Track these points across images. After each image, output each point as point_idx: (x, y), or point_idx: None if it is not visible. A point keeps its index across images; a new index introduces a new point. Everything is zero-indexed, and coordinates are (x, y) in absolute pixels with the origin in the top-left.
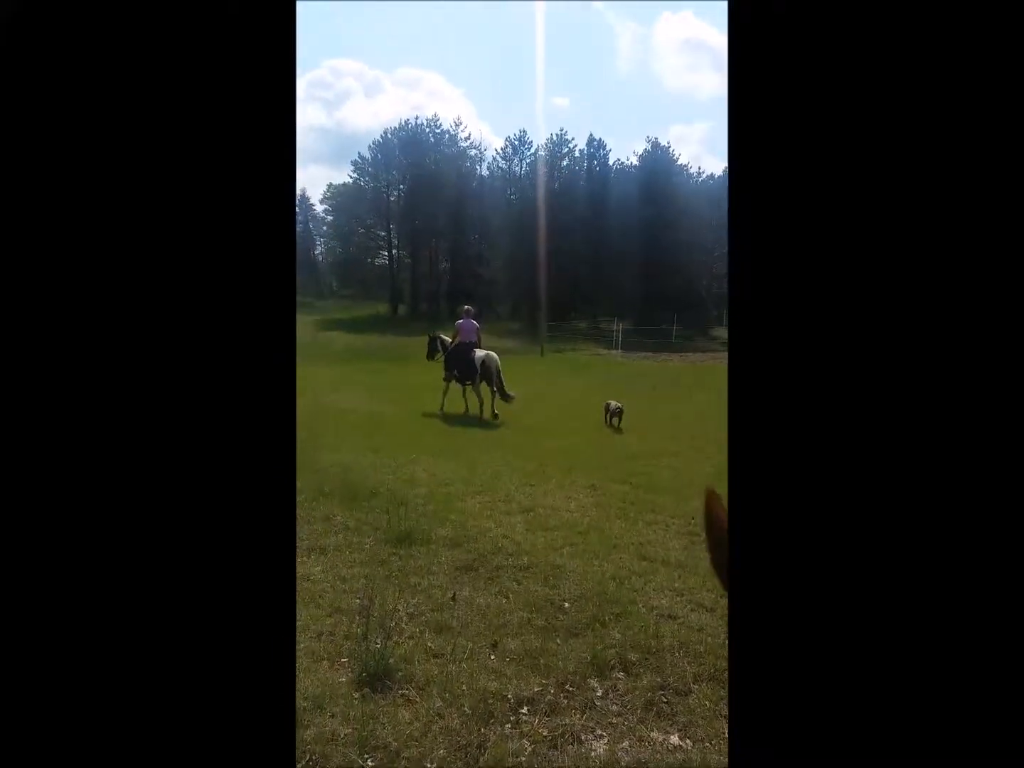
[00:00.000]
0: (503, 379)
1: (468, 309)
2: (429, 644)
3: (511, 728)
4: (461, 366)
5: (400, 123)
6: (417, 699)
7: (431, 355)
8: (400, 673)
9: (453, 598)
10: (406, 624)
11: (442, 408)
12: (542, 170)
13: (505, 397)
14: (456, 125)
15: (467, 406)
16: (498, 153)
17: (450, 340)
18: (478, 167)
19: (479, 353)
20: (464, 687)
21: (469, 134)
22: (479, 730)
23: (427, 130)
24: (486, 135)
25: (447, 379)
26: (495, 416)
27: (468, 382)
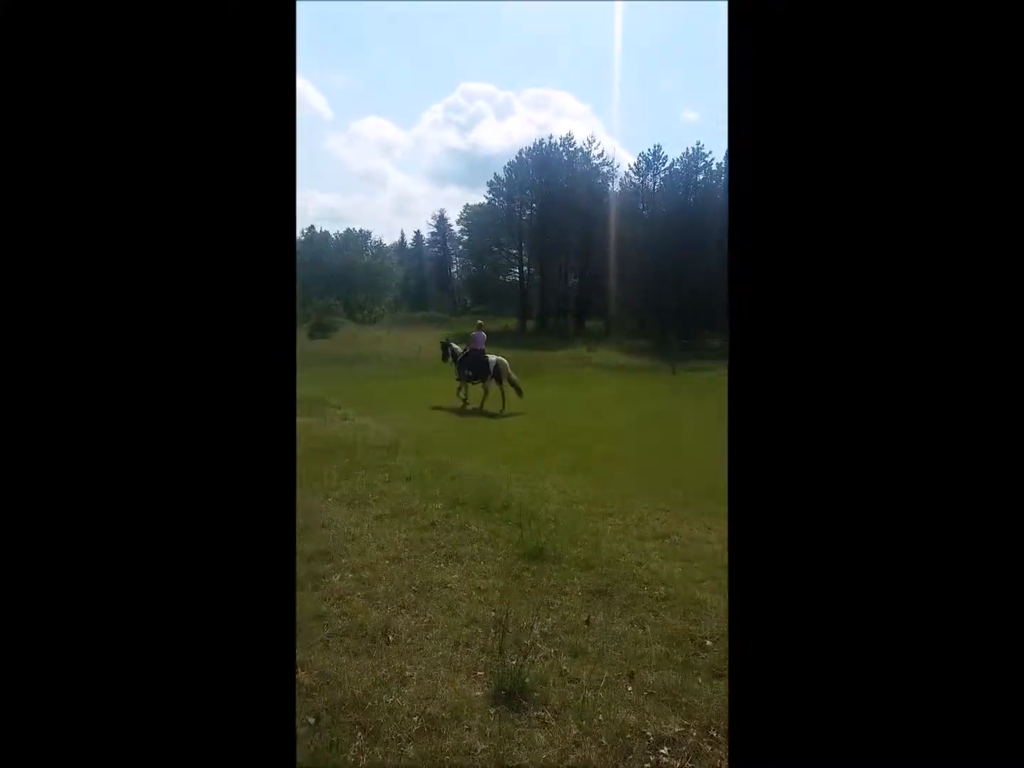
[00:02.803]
0: (516, 379)
1: (480, 324)
2: (564, 667)
3: None
4: (476, 368)
5: (534, 143)
6: (552, 723)
7: (445, 358)
8: (536, 694)
9: (587, 622)
10: (541, 644)
11: (464, 401)
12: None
13: (519, 392)
14: (589, 143)
15: (465, 396)
16: (631, 169)
17: (461, 349)
18: (610, 183)
19: (492, 358)
20: (601, 717)
21: (602, 151)
22: (617, 765)
23: (560, 149)
24: (616, 151)
25: (460, 379)
26: (502, 409)
27: (479, 381)
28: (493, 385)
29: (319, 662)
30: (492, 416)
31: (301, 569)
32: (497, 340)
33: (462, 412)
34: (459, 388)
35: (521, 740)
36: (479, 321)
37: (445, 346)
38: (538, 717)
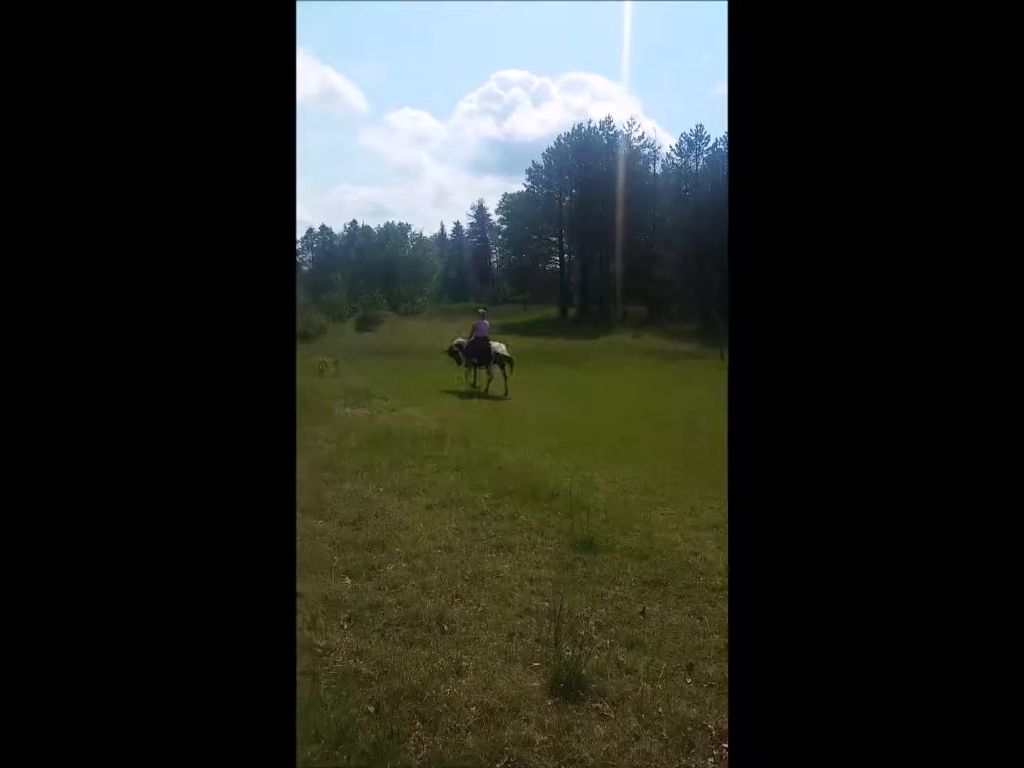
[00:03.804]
0: (512, 365)
1: (482, 312)
2: (620, 658)
3: (714, 763)
4: (480, 355)
5: (573, 128)
6: (611, 715)
7: (459, 361)
8: (593, 685)
9: (643, 613)
10: (596, 634)
11: (473, 384)
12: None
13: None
14: (629, 125)
15: (474, 381)
16: (672, 150)
17: (466, 339)
18: (652, 165)
19: (494, 344)
20: (660, 710)
21: (643, 133)
22: (679, 759)
23: (599, 133)
24: (657, 132)
25: (467, 364)
26: (505, 392)
27: (483, 366)
28: (496, 371)
29: (376, 651)
30: (497, 399)
31: (357, 558)
32: (538, 329)
33: (500, 400)
34: (467, 373)
35: (580, 732)
36: (480, 310)
37: (452, 349)
38: (596, 709)
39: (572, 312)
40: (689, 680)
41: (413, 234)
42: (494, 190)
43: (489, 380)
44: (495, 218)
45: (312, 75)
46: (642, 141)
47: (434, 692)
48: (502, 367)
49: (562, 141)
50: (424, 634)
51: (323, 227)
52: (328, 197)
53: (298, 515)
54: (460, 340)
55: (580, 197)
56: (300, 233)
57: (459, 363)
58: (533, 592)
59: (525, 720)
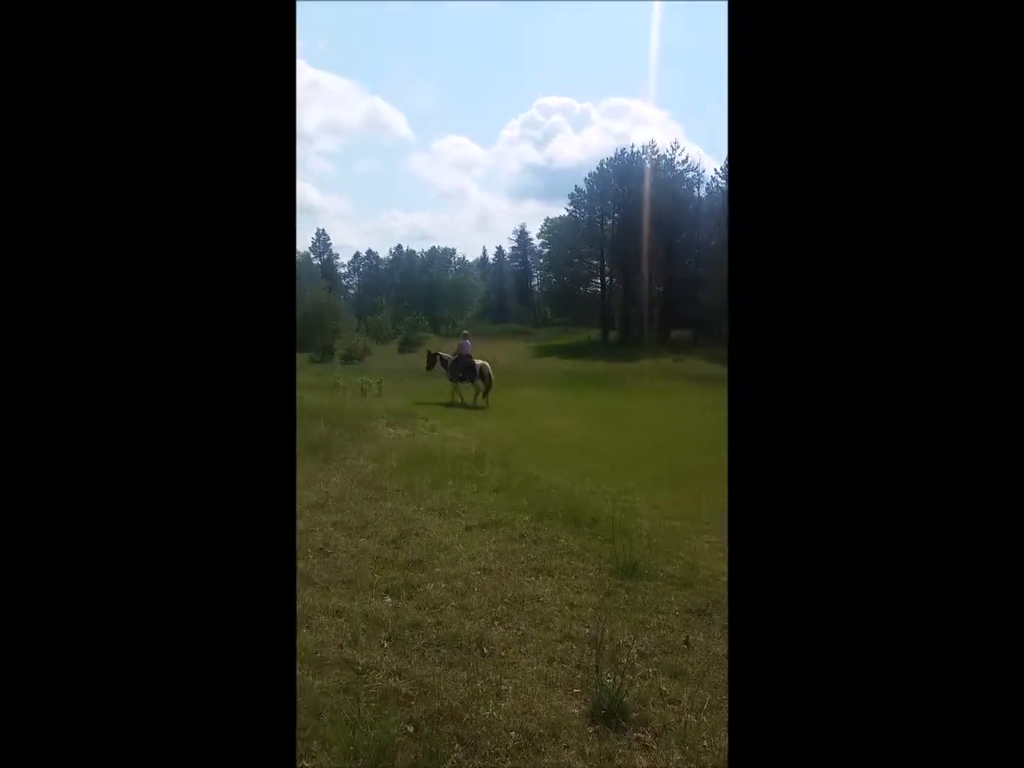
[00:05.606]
0: (491, 382)
1: (465, 333)
2: (663, 688)
3: None
4: (464, 371)
5: (616, 152)
6: (654, 746)
7: (430, 367)
8: (635, 714)
9: (686, 642)
10: (638, 663)
11: (452, 400)
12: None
13: (487, 390)
14: (672, 149)
15: (461, 397)
16: (717, 173)
17: (451, 355)
18: (696, 189)
19: (478, 362)
20: (706, 743)
21: (687, 156)
22: None
23: (642, 157)
24: (701, 156)
25: (452, 379)
26: (486, 404)
27: (468, 381)
28: (480, 384)
29: (416, 671)
30: (472, 408)
31: (398, 577)
32: (579, 352)
33: (525, 428)
34: (452, 389)
35: (621, 762)
36: (464, 332)
37: (432, 356)
38: (638, 739)
39: (613, 335)
40: None
41: (456, 258)
42: (535, 215)
43: (475, 394)
44: (536, 242)
45: (361, 105)
46: (686, 164)
47: (473, 714)
48: (485, 382)
49: (604, 165)
50: (464, 656)
51: (369, 251)
52: (376, 223)
53: (341, 533)
54: (442, 353)
55: (623, 220)
56: (347, 257)
57: (429, 368)
58: (574, 618)
59: (565, 747)
